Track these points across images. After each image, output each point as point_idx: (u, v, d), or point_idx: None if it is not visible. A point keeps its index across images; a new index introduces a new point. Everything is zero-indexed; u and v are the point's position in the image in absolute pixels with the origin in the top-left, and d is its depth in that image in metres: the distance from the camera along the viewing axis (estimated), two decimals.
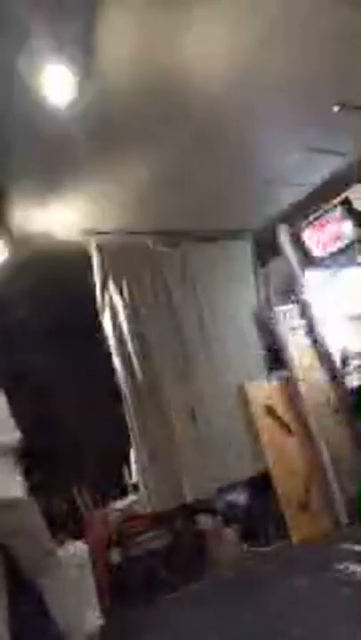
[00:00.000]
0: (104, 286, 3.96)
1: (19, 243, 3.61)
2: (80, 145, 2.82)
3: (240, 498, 4.13)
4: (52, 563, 2.53)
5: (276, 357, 4.42)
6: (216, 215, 4.31)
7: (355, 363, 4.23)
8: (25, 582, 2.49)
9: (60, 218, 3.62)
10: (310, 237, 4.42)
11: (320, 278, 4.55)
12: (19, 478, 2.53)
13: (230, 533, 3.95)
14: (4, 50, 2.17)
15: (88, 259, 3.92)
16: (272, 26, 2.51)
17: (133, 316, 3.98)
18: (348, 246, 4.20)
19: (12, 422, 2.62)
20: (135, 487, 3.99)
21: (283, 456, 4.03)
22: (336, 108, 3.24)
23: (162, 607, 3.27)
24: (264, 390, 4.27)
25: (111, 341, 3.88)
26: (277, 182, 4.04)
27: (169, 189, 3.69)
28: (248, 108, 3.08)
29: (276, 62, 2.78)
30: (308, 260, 4.48)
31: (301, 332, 4.39)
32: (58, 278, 3.94)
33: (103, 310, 3.94)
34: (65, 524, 3.77)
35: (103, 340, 3.91)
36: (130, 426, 3.75)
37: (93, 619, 2.88)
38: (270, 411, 4.16)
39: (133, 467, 4.07)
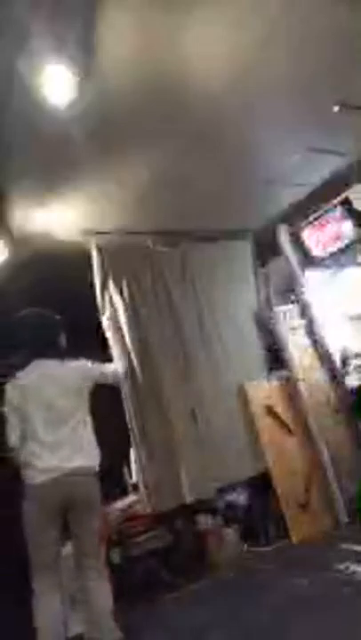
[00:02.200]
0: (104, 286, 3.96)
1: (19, 243, 3.61)
2: (80, 145, 2.82)
3: (240, 498, 4.13)
4: (98, 546, 2.65)
5: (276, 357, 4.41)
6: (216, 215, 4.31)
7: (355, 363, 4.23)
8: None
9: (60, 218, 3.62)
10: (310, 237, 4.42)
11: (320, 278, 4.55)
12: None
13: (230, 533, 3.95)
14: (4, 50, 2.17)
15: (88, 259, 3.92)
16: (272, 26, 2.51)
17: (133, 316, 3.98)
18: (348, 246, 4.20)
19: None
20: (135, 487, 3.99)
21: (283, 456, 4.03)
22: (336, 108, 3.24)
23: (162, 607, 3.27)
24: (264, 390, 4.27)
25: (111, 341, 3.88)
26: (277, 182, 4.04)
27: (169, 189, 3.69)
28: (248, 107, 3.08)
29: (276, 62, 2.78)
30: (308, 260, 4.48)
31: (301, 332, 4.39)
32: (58, 278, 3.94)
33: (103, 310, 3.94)
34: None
35: (103, 339, 3.91)
36: (130, 426, 3.75)
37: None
38: (270, 411, 4.16)
39: (133, 467, 4.07)
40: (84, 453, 2.65)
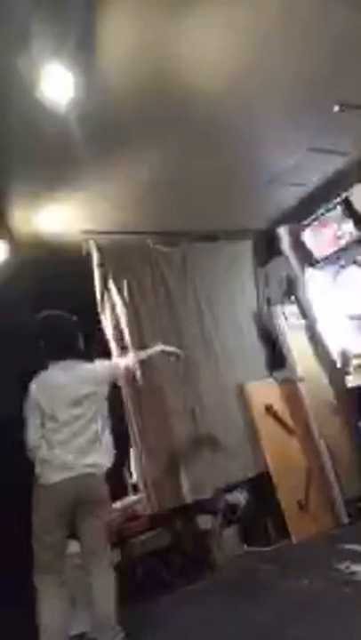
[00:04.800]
0: (104, 286, 3.96)
1: (19, 243, 3.61)
2: (80, 145, 2.82)
3: (240, 498, 4.12)
4: (105, 544, 2.67)
5: (276, 357, 4.42)
6: (216, 215, 4.31)
7: (355, 363, 4.23)
8: None
9: (60, 218, 3.62)
10: (310, 237, 4.41)
11: (320, 278, 4.54)
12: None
13: (230, 533, 3.95)
14: (4, 50, 2.17)
15: (88, 259, 3.92)
16: (272, 26, 2.51)
17: (133, 315, 3.98)
18: (348, 246, 4.20)
19: None
20: (135, 487, 3.99)
21: (283, 456, 4.03)
22: (336, 108, 3.25)
23: (162, 607, 3.27)
24: (264, 390, 4.26)
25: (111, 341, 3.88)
26: (278, 182, 4.04)
27: (169, 189, 3.69)
28: (248, 107, 3.08)
29: (276, 62, 2.78)
30: (308, 260, 4.47)
31: (301, 332, 4.39)
32: (58, 278, 3.93)
33: (103, 310, 3.94)
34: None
35: (103, 339, 3.91)
36: (130, 426, 3.75)
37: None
38: (270, 410, 4.17)
39: (133, 467, 4.07)
40: (101, 452, 2.69)
